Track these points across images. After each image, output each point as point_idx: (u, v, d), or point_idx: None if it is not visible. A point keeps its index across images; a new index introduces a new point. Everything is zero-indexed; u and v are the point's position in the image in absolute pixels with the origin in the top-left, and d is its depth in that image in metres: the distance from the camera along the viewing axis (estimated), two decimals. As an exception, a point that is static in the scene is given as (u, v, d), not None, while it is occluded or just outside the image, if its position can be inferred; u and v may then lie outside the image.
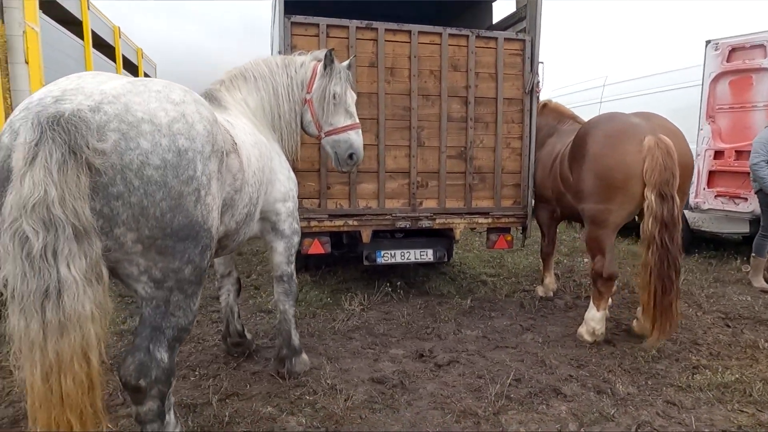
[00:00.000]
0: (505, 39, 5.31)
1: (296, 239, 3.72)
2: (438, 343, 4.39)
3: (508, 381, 3.57)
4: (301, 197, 4.43)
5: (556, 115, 5.95)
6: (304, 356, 3.80)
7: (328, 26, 4.85)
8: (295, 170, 3.91)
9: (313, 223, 4.95)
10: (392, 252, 5.44)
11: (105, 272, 1.95)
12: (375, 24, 4.96)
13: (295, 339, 3.76)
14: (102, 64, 6.60)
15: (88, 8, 6.06)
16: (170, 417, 2.35)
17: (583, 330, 4.42)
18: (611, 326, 4.64)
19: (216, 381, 3.62)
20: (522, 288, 6.14)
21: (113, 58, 7.25)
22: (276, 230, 3.58)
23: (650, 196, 3.90)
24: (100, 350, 1.91)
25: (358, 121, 3.90)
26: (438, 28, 5.13)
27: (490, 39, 5.29)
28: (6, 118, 4.48)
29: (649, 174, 3.91)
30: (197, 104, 2.28)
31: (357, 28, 4.92)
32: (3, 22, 4.43)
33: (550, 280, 5.80)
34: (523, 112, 5.46)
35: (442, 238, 5.72)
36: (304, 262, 6.52)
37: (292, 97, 3.76)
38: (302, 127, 3.93)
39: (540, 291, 5.79)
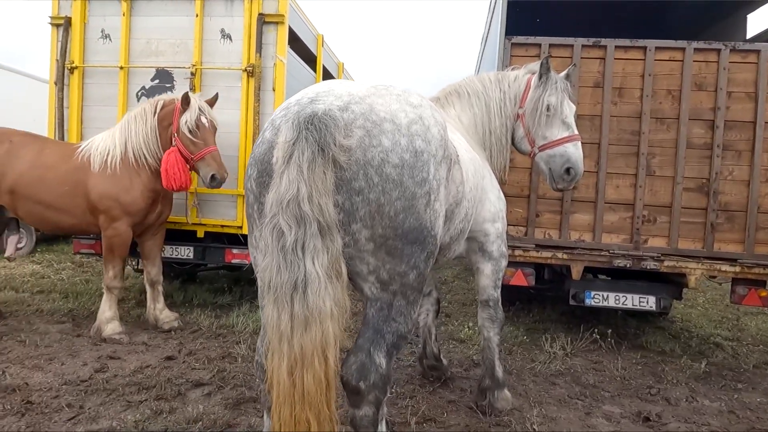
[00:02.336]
0: (771, 51, 4.39)
1: (504, 263, 3.46)
2: (666, 408, 3.64)
3: (781, 476, 2.73)
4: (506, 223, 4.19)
5: None
6: (507, 392, 3.47)
7: (550, 46, 4.60)
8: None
9: (517, 252, 4.63)
10: (605, 294, 4.79)
11: (344, 270, 1.95)
12: (603, 41, 4.55)
13: (499, 371, 3.45)
14: (327, 95, 7.35)
15: (322, 46, 6.84)
16: (382, 427, 2.26)
17: None
18: None
19: (413, 402, 3.50)
20: (776, 360, 4.86)
21: (335, 91, 8.06)
22: (483, 251, 3.37)
23: None
24: (337, 350, 1.89)
25: (577, 132, 3.45)
26: (681, 43, 4.48)
27: (750, 52, 4.43)
28: (254, 137, 5.21)
29: None
30: (432, 109, 2.25)
31: (582, 46, 4.57)
32: (260, 56, 5.18)
33: (821, 355, 4.48)
34: (792, 139, 4.41)
35: (668, 284, 4.86)
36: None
37: (504, 113, 3.57)
38: (514, 145, 3.68)
39: (806, 367, 4.50)
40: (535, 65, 3.63)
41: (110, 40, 5.39)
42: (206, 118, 4.59)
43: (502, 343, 3.58)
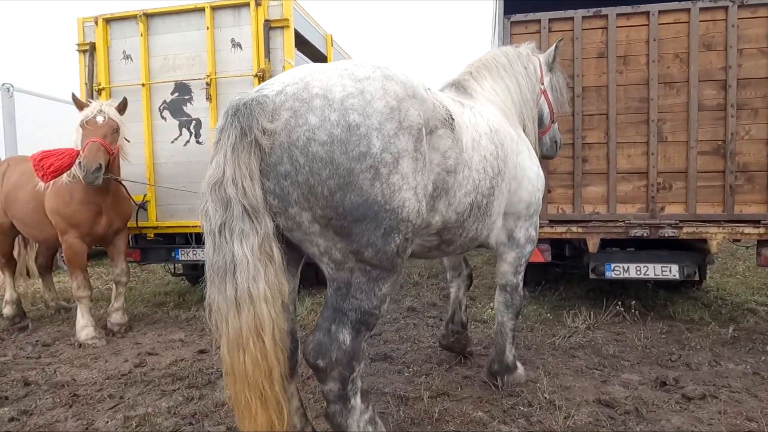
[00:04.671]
0: (782, 3, 4.24)
1: (529, 248, 3.31)
2: (686, 372, 3.60)
3: (797, 431, 2.69)
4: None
5: None
6: (520, 371, 3.47)
7: (550, 20, 4.59)
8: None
9: (531, 230, 4.65)
10: (625, 266, 4.74)
11: (277, 252, 1.95)
12: (604, 10, 4.50)
13: (509, 355, 3.41)
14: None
15: (332, 45, 7.01)
16: (356, 401, 2.20)
17: None
18: None
19: (428, 379, 3.61)
20: (814, 322, 4.68)
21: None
22: (510, 237, 3.22)
23: None
24: (275, 332, 1.91)
25: None
26: (685, 4, 4.39)
27: (760, 6, 4.28)
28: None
29: None
30: (386, 80, 2.06)
31: (583, 17, 4.54)
32: (269, 60, 5.39)
33: None
34: (811, 92, 4.24)
35: (691, 252, 4.76)
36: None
37: (530, 85, 3.62)
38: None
39: None
40: (529, 45, 3.80)
41: (131, 60, 5.73)
42: (103, 117, 4.62)
43: (516, 329, 3.49)
